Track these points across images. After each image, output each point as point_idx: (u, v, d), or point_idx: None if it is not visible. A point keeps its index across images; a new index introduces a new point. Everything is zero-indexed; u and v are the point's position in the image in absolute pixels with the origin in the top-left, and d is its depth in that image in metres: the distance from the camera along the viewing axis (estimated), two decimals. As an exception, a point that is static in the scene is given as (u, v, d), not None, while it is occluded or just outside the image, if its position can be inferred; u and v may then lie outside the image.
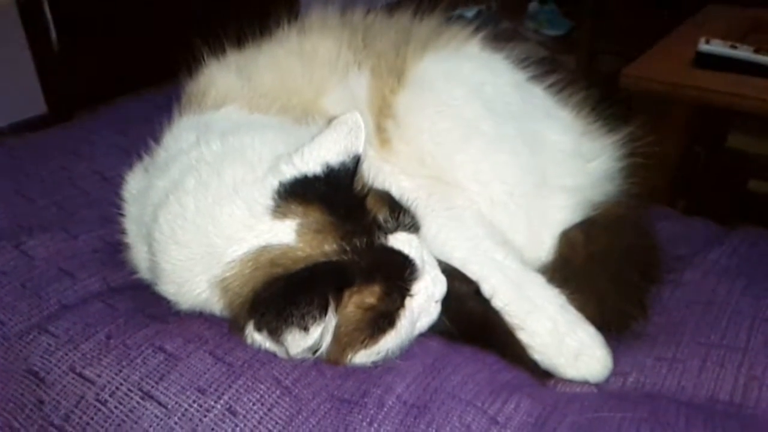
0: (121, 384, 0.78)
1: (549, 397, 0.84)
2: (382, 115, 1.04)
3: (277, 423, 0.74)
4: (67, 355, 0.83)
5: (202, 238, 0.81)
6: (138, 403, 0.77)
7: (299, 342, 0.73)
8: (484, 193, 1.03)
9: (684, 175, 2.09)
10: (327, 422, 0.75)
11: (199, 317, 0.87)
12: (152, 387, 0.78)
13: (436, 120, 1.03)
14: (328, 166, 0.82)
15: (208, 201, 0.82)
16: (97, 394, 0.78)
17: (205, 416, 0.75)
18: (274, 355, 0.81)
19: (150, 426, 0.75)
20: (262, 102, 1.02)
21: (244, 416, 0.74)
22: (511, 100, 1.10)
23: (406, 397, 0.78)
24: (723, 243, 1.16)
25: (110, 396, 0.78)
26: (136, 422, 0.75)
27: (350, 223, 0.81)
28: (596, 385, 0.92)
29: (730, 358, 0.92)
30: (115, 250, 1.01)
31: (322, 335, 0.76)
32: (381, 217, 0.84)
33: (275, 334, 0.74)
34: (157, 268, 0.86)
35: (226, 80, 1.06)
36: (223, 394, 0.76)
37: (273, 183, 0.82)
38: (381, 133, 1.04)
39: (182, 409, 0.75)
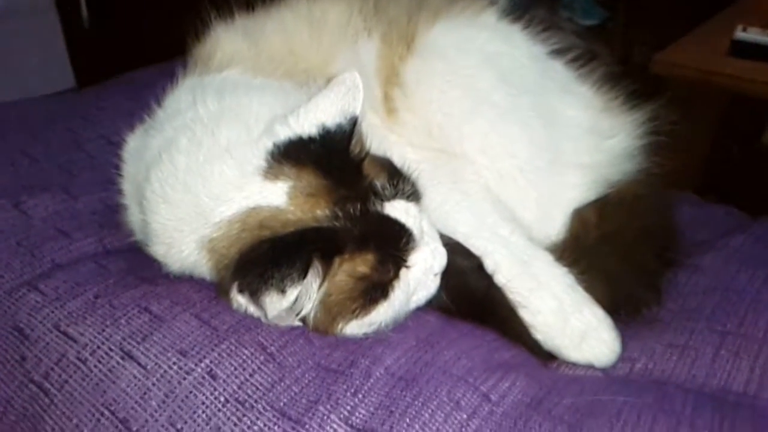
0: (103, 343, 0.76)
1: (548, 377, 0.80)
2: (389, 83, 1.01)
3: (257, 389, 0.71)
4: (53, 312, 0.82)
5: (191, 197, 0.79)
6: (118, 362, 0.74)
7: (276, 304, 0.70)
8: (493, 167, 0.98)
9: (715, 169, 2.01)
10: (310, 390, 0.72)
11: (190, 280, 0.84)
12: (134, 347, 0.75)
13: (446, 89, 0.99)
14: (324, 128, 0.79)
15: (199, 160, 0.80)
16: (79, 353, 0.76)
17: (185, 378, 0.72)
18: (261, 321, 0.78)
19: (128, 386, 0.73)
20: (267, 66, 0.99)
21: (224, 380, 0.72)
22: (526, 72, 1.05)
23: (394, 370, 0.75)
24: (747, 231, 1.10)
25: (91, 354, 0.76)
26: (114, 381, 0.73)
27: (345, 188, 0.78)
28: (602, 370, 0.88)
29: (747, 348, 0.86)
30: (114, 212, 0.99)
31: (301, 299, 0.73)
32: (378, 184, 0.80)
33: (255, 296, 0.71)
34: (148, 228, 0.84)
35: (233, 43, 1.03)
36: (204, 357, 0.74)
37: (267, 144, 0.79)
38: (388, 102, 1.00)
39: (161, 371, 0.73)
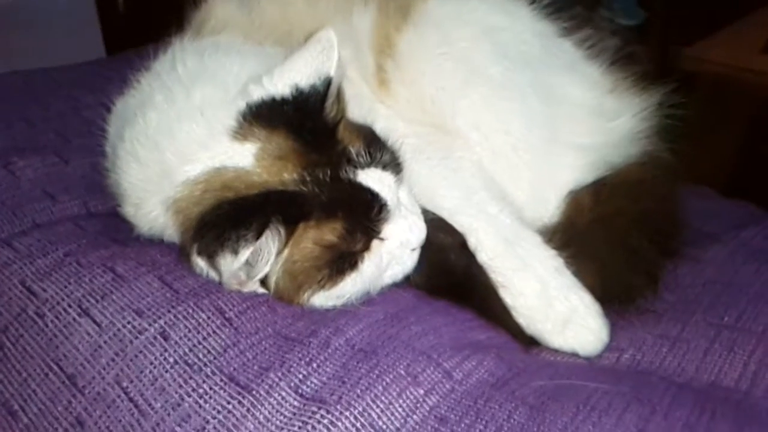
0: (63, 299, 0.75)
1: (520, 360, 0.76)
2: (383, 54, 0.97)
3: (209, 352, 0.69)
4: (21, 269, 0.81)
5: (158, 155, 0.77)
6: (74, 319, 0.73)
7: (229, 265, 0.67)
8: (486, 144, 0.94)
9: (743, 170, 1.91)
10: (264, 357, 0.69)
11: (160, 244, 0.83)
12: (91, 305, 0.74)
13: (440, 62, 0.95)
14: (297, 89, 0.76)
15: (170, 117, 0.78)
16: (38, 308, 0.75)
17: (136, 338, 0.70)
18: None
19: (80, 342, 0.71)
20: (259, 33, 0.97)
21: (176, 342, 0.70)
22: (527, 48, 1.01)
23: (355, 341, 0.71)
24: (760, 224, 1.04)
25: (49, 310, 0.74)
26: (67, 337, 0.72)
27: (316, 153, 0.75)
28: (586, 359, 0.83)
29: (743, 343, 0.81)
30: (103, 177, 0.98)
31: (256, 261, 0.70)
32: (353, 150, 0.77)
33: (211, 258, 0.69)
34: (120, 187, 0.83)
35: (227, 9, 1.01)
36: (159, 318, 0.72)
37: (240, 104, 0.77)
38: (380, 74, 0.97)
39: (115, 329, 0.71)
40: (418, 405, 0.65)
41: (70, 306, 0.74)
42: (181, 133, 0.76)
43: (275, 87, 0.77)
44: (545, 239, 0.89)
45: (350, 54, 0.97)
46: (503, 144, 0.94)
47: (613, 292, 0.88)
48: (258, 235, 0.67)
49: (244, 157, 0.74)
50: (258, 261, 0.70)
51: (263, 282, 0.76)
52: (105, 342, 0.70)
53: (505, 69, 0.96)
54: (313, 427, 0.62)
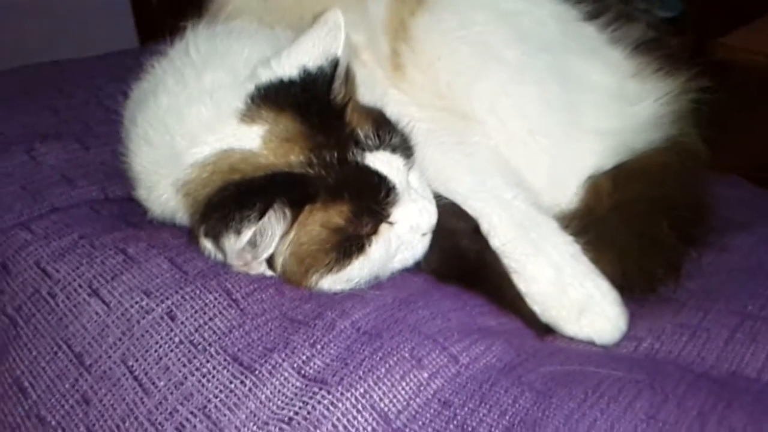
0: (74, 280, 0.76)
1: (531, 346, 0.74)
2: (398, 38, 0.96)
3: (214, 332, 0.69)
4: (37, 250, 0.82)
5: (168, 138, 0.77)
6: (84, 299, 0.74)
7: (232, 245, 0.67)
8: (502, 129, 0.92)
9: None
10: (268, 338, 0.69)
11: (173, 227, 0.83)
12: (101, 285, 0.75)
13: (456, 46, 0.94)
14: (304, 71, 0.76)
15: (180, 101, 0.78)
16: (50, 288, 0.76)
17: (144, 318, 0.71)
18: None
19: (88, 322, 0.72)
20: (273, 17, 0.97)
21: (182, 322, 0.70)
22: (547, 32, 0.98)
23: (361, 324, 0.71)
24: (792, 213, 1.00)
25: (60, 290, 0.75)
26: (76, 317, 0.72)
27: (323, 135, 0.74)
28: (603, 347, 0.81)
29: (767, 332, 0.77)
30: (121, 164, 0.99)
31: (260, 241, 0.69)
32: (361, 133, 0.76)
33: (217, 240, 0.69)
34: (133, 171, 0.83)
35: (244, -4, 1.01)
36: (167, 298, 0.72)
37: (249, 87, 0.77)
38: (395, 58, 0.96)
39: (123, 309, 0.72)
40: (422, 388, 0.64)
41: (81, 286, 0.75)
42: (190, 116, 0.76)
43: (283, 69, 0.76)
44: (562, 225, 0.87)
45: (365, 39, 0.97)
46: (520, 129, 0.92)
47: (633, 280, 0.86)
48: (261, 216, 0.66)
49: (251, 140, 0.74)
50: (262, 242, 0.70)
51: (270, 264, 0.76)
52: (113, 321, 0.71)
53: (521, 53, 0.94)
54: (314, 407, 0.61)
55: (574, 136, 0.94)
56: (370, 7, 0.98)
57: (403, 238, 0.79)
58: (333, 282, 0.76)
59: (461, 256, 0.85)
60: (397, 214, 0.78)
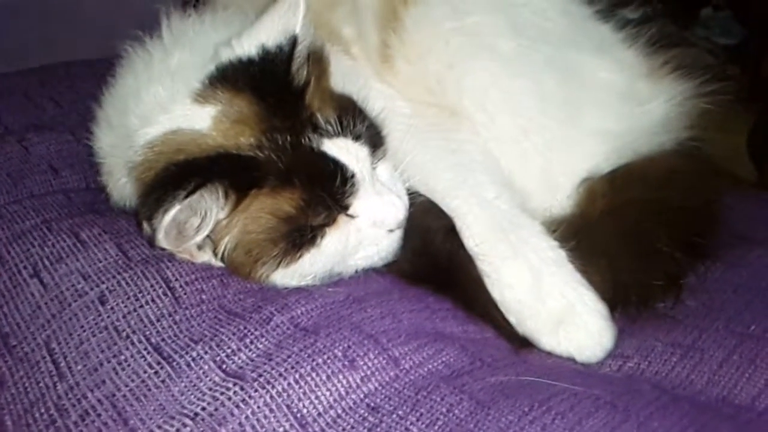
0: (21, 262, 0.74)
1: (491, 356, 0.66)
2: (387, 29, 0.91)
3: (142, 320, 0.65)
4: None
5: (124, 118, 0.75)
6: (24, 280, 0.71)
7: (158, 224, 0.63)
8: (493, 126, 0.86)
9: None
10: (197, 330, 0.64)
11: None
12: (44, 267, 0.72)
13: (448, 38, 0.88)
14: (263, 49, 0.72)
15: (142, 81, 0.76)
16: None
17: (76, 301, 0.67)
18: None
19: (22, 303, 0.69)
20: (262, 6, 0.93)
21: (112, 307, 0.66)
22: (550, 26, 0.92)
23: (300, 320, 0.65)
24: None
25: (5, 271, 0.73)
26: (12, 298, 0.70)
27: (278, 117, 0.70)
28: (584, 365, 0.72)
29: (769, 356, 0.68)
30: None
31: (190, 223, 0.65)
32: (321, 118, 0.72)
33: (150, 222, 0.64)
34: (95, 155, 0.81)
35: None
36: (102, 282, 0.69)
37: (210, 68, 0.73)
38: (384, 50, 0.91)
39: (58, 291, 0.69)
40: (350, 391, 0.58)
41: (25, 268, 0.73)
42: (147, 96, 0.74)
43: (242, 48, 0.73)
44: (549, 230, 0.79)
45: (354, 32, 0.93)
46: (511, 126, 0.86)
47: (626, 294, 0.77)
48: (188, 195, 0.62)
49: (201, 120, 0.70)
50: (194, 224, 0.66)
51: (217, 254, 0.71)
52: (45, 303, 0.68)
53: (518, 45, 0.88)
54: (222, 404, 0.56)
55: (573, 136, 0.86)
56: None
57: (366, 233, 0.73)
58: (284, 276, 0.71)
59: (432, 256, 0.78)
60: (358, 206, 0.72)
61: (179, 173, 0.65)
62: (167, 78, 0.74)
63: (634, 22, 0.96)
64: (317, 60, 0.76)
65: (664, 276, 0.77)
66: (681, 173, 0.84)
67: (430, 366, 0.62)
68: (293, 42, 0.71)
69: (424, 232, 0.78)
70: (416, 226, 0.78)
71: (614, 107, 0.89)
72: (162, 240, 0.65)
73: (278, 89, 0.71)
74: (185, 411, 0.56)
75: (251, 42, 0.72)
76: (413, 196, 0.80)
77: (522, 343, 0.75)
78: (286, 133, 0.69)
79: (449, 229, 0.78)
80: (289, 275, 0.71)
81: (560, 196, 0.84)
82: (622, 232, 0.79)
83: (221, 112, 0.70)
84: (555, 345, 0.73)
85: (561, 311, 0.73)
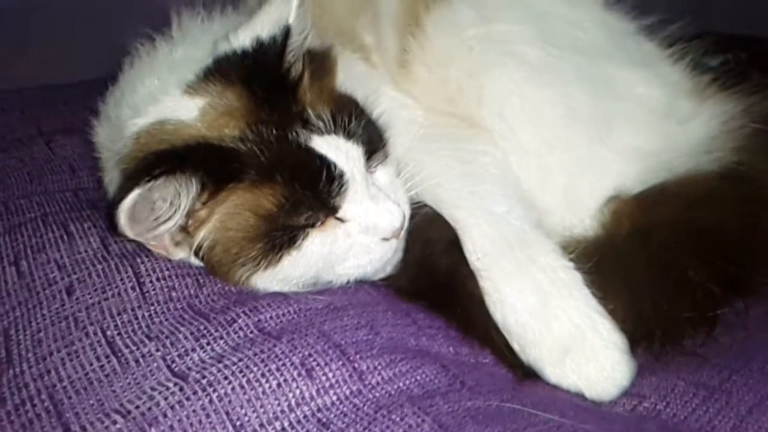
0: (7, 251, 0.72)
1: (475, 379, 0.59)
2: (407, 33, 0.86)
3: (103, 312, 0.62)
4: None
5: (118, 109, 0.73)
6: (3, 268, 0.70)
7: (120, 209, 0.59)
8: (513, 137, 0.79)
9: None
10: (155, 327, 0.60)
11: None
12: (25, 256, 0.71)
13: (471, 44, 0.83)
14: (257, 41, 0.69)
15: (143, 73, 0.74)
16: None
17: (44, 290, 0.65)
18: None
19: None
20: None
21: (77, 298, 0.63)
22: (585, 36, 0.85)
23: (265, 325, 0.60)
24: None
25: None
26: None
27: (267, 110, 0.66)
28: (595, 403, 0.63)
29: (812, 406, 0.57)
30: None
31: (154, 212, 0.61)
32: (313, 113, 0.67)
33: (116, 208, 0.61)
34: (96, 150, 0.80)
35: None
36: (73, 273, 0.66)
37: (207, 61, 0.71)
38: (402, 55, 0.86)
39: (30, 279, 0.67)
40: (302, 402, 0.52)
41: (8, 256, 0.71)
42: (142, 87, 0.72)
43: (238, 40, 0.70)
44: (567, 251, 0.71)
45: (374, 41, 0.89)
46: (533, 139, 0.79)
47: (649, 326, 0.68)
48: (150, 180, 0.58)
49: (188, 111, 0.67)
50: (160, 213, 0.62)
51: (195, 252, 0.67)
52: (15, 291, 0.66)
53: (547, 54, 0.81)
54: (158, 404, 0.51)
55: (602, 153, 0.79)
56: (383, 4, 0.89)
57: (356, 239, 0.68)
58: (265, 280, 0.66)
59: (430, 269, 0.72)
60: (348, 210, 0.67)
61: (154, 162, 0.62)
62: (165, 70, 0.72)
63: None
64: (321, 58, 0.72)
65: (694, 308, 0.68)
66: (721, 196, 0.75)
67: (400, 384, 0.55)
68: (286, 32, 0.67)
69: (423, 244, 0.72)
70: (416, 238, 0.72)
71: (650, 124, 0.81)
72: (124, 226, 0.61)
73: (269, 81, 0.67)
74: (120, 408, 0.52)
75: (247, 34, 0.69)
76: (418, 206, 0.74)
77: (526, 373, 0.66)
78: (273, 127, 0.65)
79: (451, 242, 0.72)
80: (270, 279, 0.66)
81: (583, 215, 0.76)
82: (649, 256, 0.70)
83: (209, 104, 0.67)
84: (560, 376, 0.65)
85: (568, 338, 0.65)
